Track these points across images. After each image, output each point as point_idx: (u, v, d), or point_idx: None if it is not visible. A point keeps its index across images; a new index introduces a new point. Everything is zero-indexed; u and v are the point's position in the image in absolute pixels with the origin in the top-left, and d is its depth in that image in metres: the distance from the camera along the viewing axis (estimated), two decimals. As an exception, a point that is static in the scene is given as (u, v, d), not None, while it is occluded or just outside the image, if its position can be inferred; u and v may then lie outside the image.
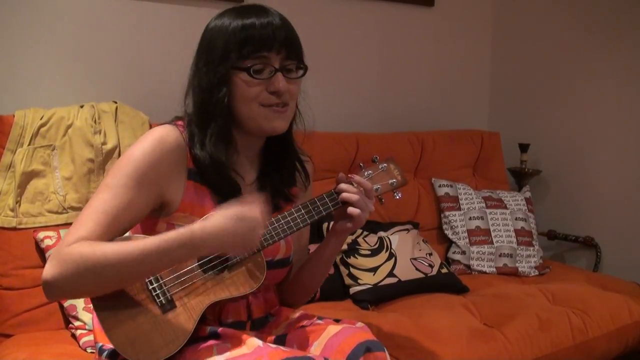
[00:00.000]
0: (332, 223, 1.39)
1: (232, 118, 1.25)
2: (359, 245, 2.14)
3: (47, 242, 1.74)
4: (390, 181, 1.39)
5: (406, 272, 2.11)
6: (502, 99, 3.10)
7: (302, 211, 1.28)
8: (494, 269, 2.41)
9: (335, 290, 2.06)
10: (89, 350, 1.58)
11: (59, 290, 1.10)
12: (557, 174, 2.85)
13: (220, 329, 1.21)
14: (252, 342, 1.15)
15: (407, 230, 2.29)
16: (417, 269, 2.14)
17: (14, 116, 1.82)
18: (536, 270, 2.43)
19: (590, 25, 2.69)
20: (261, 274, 1.25)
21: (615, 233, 2.62)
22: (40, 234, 1.76)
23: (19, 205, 1.78)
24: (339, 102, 2.67)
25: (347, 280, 2.08)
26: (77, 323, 1.68)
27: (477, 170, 2.76)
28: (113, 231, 1.14)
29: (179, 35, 2.18)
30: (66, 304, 1.70)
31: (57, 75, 2.05)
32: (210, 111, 1.22)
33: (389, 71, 2.81)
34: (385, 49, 2.78)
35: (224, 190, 1.26)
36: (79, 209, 1.78)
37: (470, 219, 2.48)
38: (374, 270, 2.09)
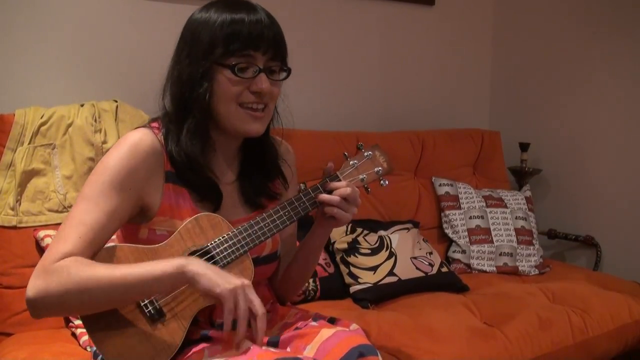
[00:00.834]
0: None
1: (210, 115, 1.22)
2: (359, 244, 2.14)
3: (48, 240, 1.73)
4: (376, 169, 1.36)
5: (406, 271, 2.11)
6: (503, 98, 3.10)
7: (288, 208, 1.27)
8: (494, 268, 2.41)
9: (335, 289, 2.06)
10: (88, 349, 1.58)
11: (43, 308, 1.08)
12: (558, 173, 2.85)
13: (211, 332, 1.21)
14: (244, 345, 1.15)
15: (408, 229, 2.29)
16: (417, 268, 2.14)
17: (14, 115, 1.82)
18: (536, 270, 2.43)
19: (591, 25, 2.69)
20: (249, 275, 1.23)
21: (615, 232, 2.62)
22: (41, 233, 1.76)
23: (20, 204, 1.78)
24: (340, 101, 2.67)
25: (347, 279, 2.08)
26: (77, 322, 1.68)
27: (477, 169, 2.76)
28: (96, 242, 1.13)
29: (179, 34, 2.17)
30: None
31: (58, 74, 2.05)
32: (188, 106, 1.20)
33: (389, 70, 2.80)
34: (386, 48, 2.78)
35: (202, 189, 1.24)
36: (79, 207, 1.78)
37: (470, 218, 2.48)
38: (374, 269, 2.09)
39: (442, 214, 2.52)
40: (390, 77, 2.82)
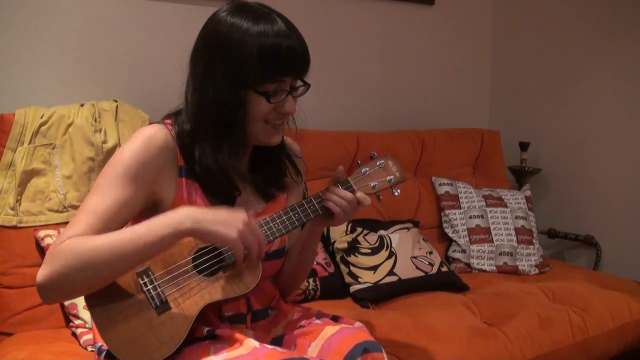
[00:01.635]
0: None
1: (245, 133, 1.25)
2: (359, 243, 2.14)
3: (48, 240, 1.74)
4: (388, 178, 1.38)
5: (406, 270, 2.11)
6: (503, 98, 3.11)
7: (298, 210, 1.29)
8: (494, 268, 2.41)
9: (335, 288, 2.07)
10: (89, 348, 1.58)
11: (52, 289, 1.09)
12: (557, 172, 2.85)
13: (217, 330, 1.21)
14: (249, 343, 1.16)
15: (408, 228, 2.29)
16: (417, 267, 2.14)
17: (14, 115, 1.82)
18: (536, 269, 2.43)
19: (591, 25, 2.69)
20: (256, 274, 1.24)
21: (615, 231, 2.62)
22: (41, 233, 1.76)
23: (20, 204, 1.78)
24: (340, 100, 2.67)
25: (348, 279, 2.08)
26: (77, 321, 1.68)
27: (477, 168, 2.76)
28: (105, 231, 1.14)
29: (180, 34, 2.18)
30: (67, 302, 1.71)
31: (58, 74, 2.05)
32: (225, 126, 1.22)
33: (389, 70, 2.81)
34: (386, 48, 2.78)
35: (220, 189, 1.27)
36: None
37: (470, 217, 2.48)
38: (374, 268, 2.09)
39: (442, 214, 2.52)
40: (390, 76, 2.82)
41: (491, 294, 2.10)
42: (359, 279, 2.06)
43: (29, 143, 1.80)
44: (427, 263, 2.17)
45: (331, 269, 2.10)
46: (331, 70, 2.62)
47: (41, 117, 1.83)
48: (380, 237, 2.18)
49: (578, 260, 2.78)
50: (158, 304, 1.18)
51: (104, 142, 1.88)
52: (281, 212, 1.28)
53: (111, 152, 1.87)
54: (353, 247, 2.12)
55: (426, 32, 2.88)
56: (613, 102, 2.63)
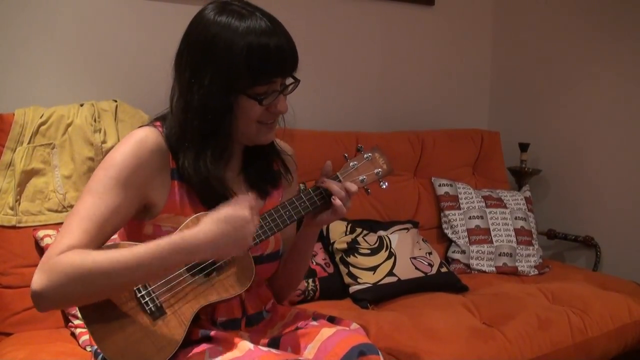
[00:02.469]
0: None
1: (232, 136, 1.24)
2: (359, 244, 2.14)
3: (47, 240, 1.74)
4: (376, 170, 1.37)
5: (406, 271, 2.11)
6: (502, 99, 3.10)
7: (289, 207, 1.27)
8: (494, 268, 2.41)
9: (334, 289, 2.06)
10: (88, 348, 1.58)
11: (48, 300, 1.08)
12: (557, 173, 2.85)
13: (212, 332, 1.21)
14: (244, 346, 1.16)
15: (407, 229, 2.29)
16: (416, 268, 2.14)
17: (13, 115, 1.82)
18: (536, 270, 2.43)
19: (591, 25, 2.69)
20: (250, 274, 1.24)
21: (614, 232, 2.62)
22: (40, 233, 1.76)
23: (19, 204, 1.78)
24: (339, 101, 2.67)
25: (347, 279, 2.08)
26: (76, 322, 1.68)
27: (477, 169, 2.76)
28: (100, 237, 1.13)
29: (179, 34, 2.16)
30: (66, 302, 1.71)
31: (57, 74, 2.05)
32: (210, 133, 1.21)
33: (389, 70, 2.80)
34: (386, 48, 2.78)
35: (212, 198, 1.25)
36: (79, 207, 1.78)
37: (470, 218, 2.48)
38: (373, 269, 2.09)
39: (442, 214, 2.52)
40: (390, 77, 2.82)
41: (490, 294, 2.10)
42: (359, 280, 2.06)
43: (29, 143, 1.80)
44: (426, 264, 2.17)
45: (330, 270, 2.10)
46: (331, 70, 2.62)
47: (41, 117, 1.83)
48: (380, 238, 2.18)
49: (577, 261, 2.78)
50: (153, 309, 1.18)
51: (104, 142, 1.88)
52: (272, 210, 1.26)
53: (111, 152, 1.88)
54: (352, 248, 2.12)
55: (426, 32, 2.88)
56: (613, 102, 2.63)
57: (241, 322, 1.31)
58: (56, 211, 1.81)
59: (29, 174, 1.80)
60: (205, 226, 1.10)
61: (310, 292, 2.01)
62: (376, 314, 1.92)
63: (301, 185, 1.99)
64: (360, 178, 1.35)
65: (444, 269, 2.20)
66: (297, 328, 1.30)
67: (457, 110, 3.03)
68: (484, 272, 2.40)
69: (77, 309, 1.68)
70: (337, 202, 1.28)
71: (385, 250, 2.15)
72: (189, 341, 1.20)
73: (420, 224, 2.42)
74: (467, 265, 2.42)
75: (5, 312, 1.72)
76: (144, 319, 1.17)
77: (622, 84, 2.59)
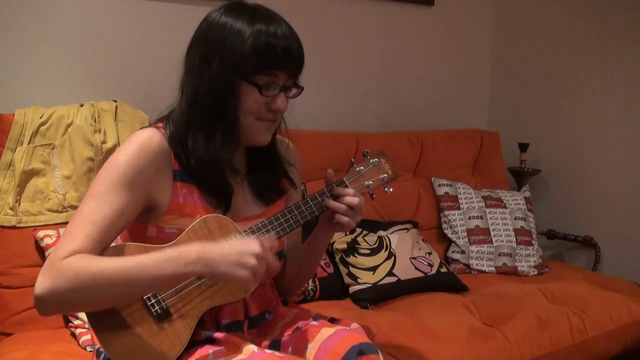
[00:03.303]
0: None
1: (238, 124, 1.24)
2: (359, 244, 2.14)
3: (47, 240, 1.74)
4: (382, 176, 1.38)
5: (406, 271, 2.11)
6: (502, 99, 3.11)
7: (295, 212, 1.28)
8: (494, 269, 2.41)
9: (334, 289, 2.07)
10: (88, 349, 1.58)
11: (51, 305, 1.08)
12: (557, 173, 2.85)
13: (216, 334, 1.21)
14: (248, 348, 1.16)
15: (407, 229, 2.29)
16: (416, 268, 2.14)
17: (13, 115, 1.82)
18: (535, 270, 2.43)
19: (590, 26, 2.69)
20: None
21: (614, 233, 2.62)
22: (40, 233, 1.76)
23: (19, 204, 1.78)
24: (339, 101, 2.67)
25: (347, 279, 2.08)
26: (76, 322, 1.68)
27: (476, 169, 2.76)
28: (104, 241, 1.13)
29: (179, 34, 2.15)
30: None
31: (57, 74, 2.05)
32: (218, 116, 1.21)
33: (388, 70, 2.81)
34: (385, 49, 2.78)
35: (215, 191, 1.26)
36: (79, 207, 1.78)
37: (469, 218, 2.48)
38: (373, 269, 2.09)
39: (442, 214, 2.52)
40: (390, 77, 2.82)
41: (490, 294, 2.10)
42: (358, 280, 2.06)
43: (29, 143, 1.80)
44: (426, 264, 2.17)
45: (330, 270, 2.10)
46: (331, 70, 2.62)
47: (40, 117, 1.83)
48: (380, 238, 2.18)
49: (577, 261, 2.78)
50: (159, 311, 1.18)
51: (104, 142, 1.88)
52: (279, 214, 1.27)
53: (110, 152, 1.87)
54: (352, 248, 2.12)
55: (426, 32, 2.88)
56: (612, 103, 2.63)
57: (244, 324, 1.32)
58: (56, 211, 1.81)
59: (29, 174, 1.80)
60: (214, 244, 1.12)
61: (310, 292, 2.01)
62: (376, 314, 1.92)
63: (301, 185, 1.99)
64: (367, 183, 1.36)
65: (443, 269, 2.20)
66: (297, 328, 1.30)
67: (456, 110, 3.03)
68: (484, 272, 2.41)
69: (77, 309, 1.69)
70: (342, 219, 1.28)
71: (385, 251, 2.15)
72: (192, 342, 1.20)
73: (420, 224, 2.42)
74: (467, 265, 2.42)
75: (5, 313, 1.72)
76: (150, 321, 1.18)
77: (621, 84, 2.59)
